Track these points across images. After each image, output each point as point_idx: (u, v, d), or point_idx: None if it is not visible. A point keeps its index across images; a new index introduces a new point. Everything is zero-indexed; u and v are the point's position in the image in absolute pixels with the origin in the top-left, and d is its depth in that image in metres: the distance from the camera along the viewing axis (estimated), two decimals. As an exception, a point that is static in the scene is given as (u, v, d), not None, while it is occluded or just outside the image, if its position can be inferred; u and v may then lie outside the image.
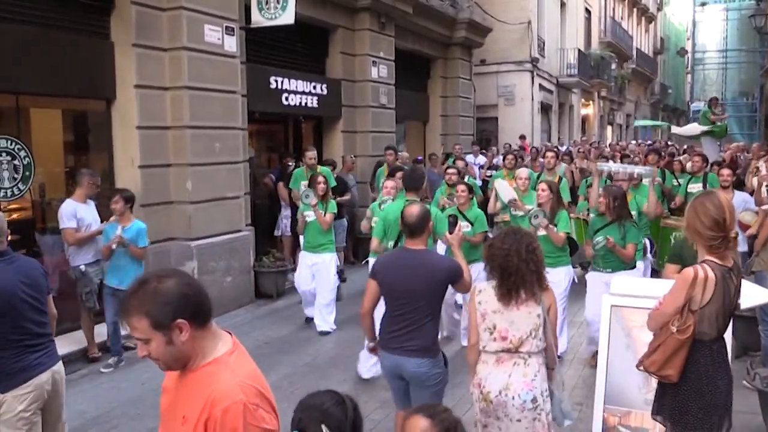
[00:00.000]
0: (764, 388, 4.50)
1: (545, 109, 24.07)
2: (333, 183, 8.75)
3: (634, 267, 6.20)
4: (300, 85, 10.97)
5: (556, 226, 6.34)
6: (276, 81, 10.46)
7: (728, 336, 3.51)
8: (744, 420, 4.47)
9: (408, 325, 3.81)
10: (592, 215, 7.03)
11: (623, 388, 4.05)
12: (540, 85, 22.67)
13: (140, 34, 7.61)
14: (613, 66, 31.82)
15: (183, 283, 2.04)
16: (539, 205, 6.48)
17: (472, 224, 6.73)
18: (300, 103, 10.99)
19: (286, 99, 10.69)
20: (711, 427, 3.16)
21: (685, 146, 23.37)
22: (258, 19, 9.19)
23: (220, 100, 8.41)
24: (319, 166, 9.24)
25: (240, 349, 2.14)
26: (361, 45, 12.25)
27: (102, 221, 6.89)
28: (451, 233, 4.34)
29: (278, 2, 9.06)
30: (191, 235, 8.03)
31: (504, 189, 7.81)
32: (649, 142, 26.53)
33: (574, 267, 8.11)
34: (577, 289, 6.97)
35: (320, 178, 7.56)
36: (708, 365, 3.13)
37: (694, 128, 16.19)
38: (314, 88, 11.33)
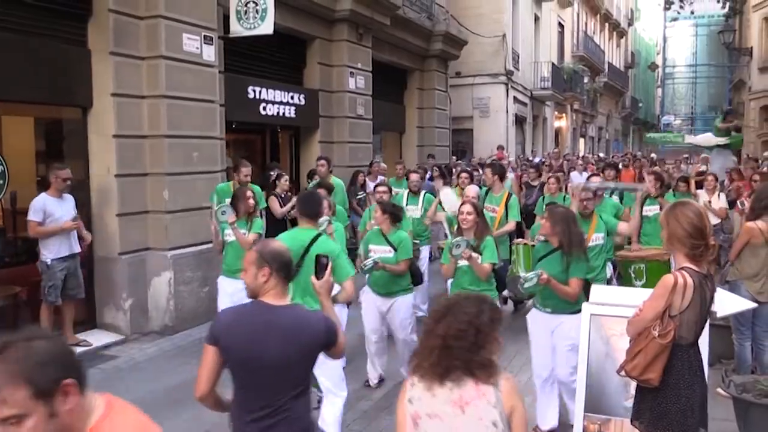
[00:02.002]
0: (738, 395, 4.59)
1: (520, 121, 24.33)
2: (262, 202, 8.30)
3: (579, 310, 4.64)
4: (278, 95, 10.97)
5: (481, 254, 5.38)
6: (254, 91, 10.44)
7: (704, 343, 3.59)
8: (719, 426, 4.54)
9: (268, 412, 2.78)
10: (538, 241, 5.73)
11: (603, 396, 4.10)
12: (514, 97, 22.92)
13: (118, 42, 7.55)
14: (586, 79, 32.33)
15: (56, 339, 1.72)
16: (461, 230, 5.54)
17: (395, 249, 5.82)
18: (277, 113, 10.98)
19: (264, 109, 10.68)
20: (687, 430, 3.23)
21: (654, 156, 23.76)
22: (237, 29, 9.18)
23: (197, 109, 8.37)
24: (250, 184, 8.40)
25: (115, 410, 1.79)
26: (339, 56, 12.29)
27: (77, 218, 6.85)
28: (318, 278, 3.16)
29: (257, 12, 9.06)
30: (168, 245, 7.95)
31: (449, 200, 7.31)
32: (620, 154, 26.95)
33: (506, 302, 7.90)
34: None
35: (248, 193, 6.55)
36: (685, 369, 3.21)
37: (709, 139, 16.28)
38: (292, 98, 11.33)
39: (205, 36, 8.42)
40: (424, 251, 8.37)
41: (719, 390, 4.81)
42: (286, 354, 2.76)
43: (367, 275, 5.99)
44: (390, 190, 7.88)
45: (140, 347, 7.31)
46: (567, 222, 4.87)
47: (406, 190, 8.86)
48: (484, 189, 8.39)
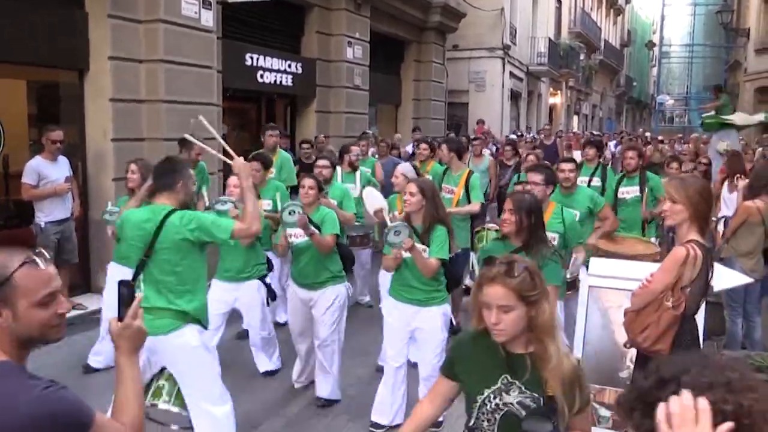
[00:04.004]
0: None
1: (515, 96, 24.27)
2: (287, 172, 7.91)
3: None
4: (275, 63, 10.89)
5: (428, 246, 4.43)
6: (251, 58, 10.36)
7: (700, 316, 3.64)
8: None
9: None
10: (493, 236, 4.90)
11: (598, 367, 4.16)
12: (510, 72, 22.83)
13: (116, 5, 7.44)
14: (582, 56, 32.20)
15: None
16: (407, 216, 4.53)
17: (319, 229, 4.98)
18: (275, 81, 10.91)
19: (261, 77, 10.60)
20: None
21: (648, 135, 23.71)
22: (235, -6, 9.07)
23: (195, 74, 8.29)
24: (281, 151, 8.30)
25: None
26: (337, 25, 12.18)
27: (70, 179, 6.82)
28: (120, 319, 2.08)
29: (256, -22, 8.96)
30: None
31: (371, 198, 6.05)
32: (613, 133, 26.96)
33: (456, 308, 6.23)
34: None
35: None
36: (688, 340, 3.27)
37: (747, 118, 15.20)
38: (289, 66, 11.25)
39: (203, 0, 8.32)
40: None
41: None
42: None
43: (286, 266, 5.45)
44: (333, 167, 6.91)
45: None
46: (535, 212, 3.87)
47: (339, 167, 7.68)
48: (443, 167, 7.27)
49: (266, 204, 6.25)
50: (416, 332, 4.56)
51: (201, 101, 8.42)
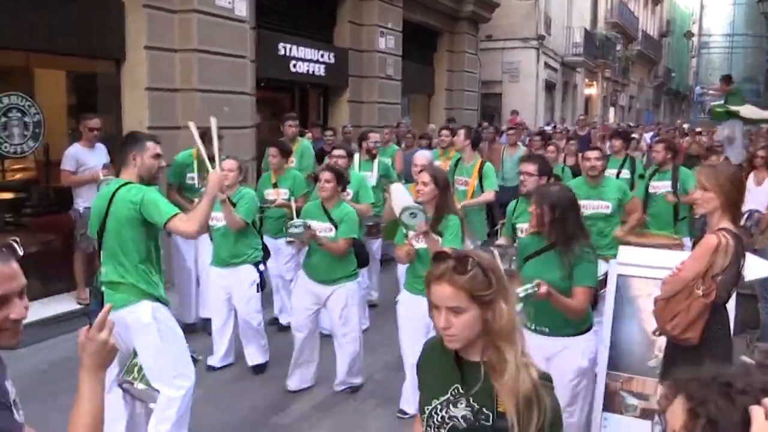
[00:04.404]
0: (763, 361, 4.60)
1: (549, 87, 24.03)
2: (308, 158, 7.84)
3: (588, 329, 3.74)
4: (308, 52, 10.96)
5: (441, 236, 4.32)
6: (284, 48, 10.45)
7: (731, 307, 3.60)
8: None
9: None
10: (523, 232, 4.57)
11: (626, 355, 4.13)
12: (545, 62, 22.61)
13: (151, -5, 7.58)
14: (618, 47, 31.72)
15: None
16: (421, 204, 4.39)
17: (336, 227, 4.90)
18: (307, 71, 10.99)
19: (294, 66, 10.69)
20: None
21: (686, 126, 23.19)
22: (268, -16, 9.14)
23: (229, 64, 8.40)
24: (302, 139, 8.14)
25: None
26: (370, 15, 12.20)
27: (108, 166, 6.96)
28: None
29: (289, -32, 9.01)
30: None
31: (399, 195, 5.80)
32: (650, 125, 26.50)
33: None
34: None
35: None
36: (718, 329, 3.25)
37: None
38: (322, 56, 11.32)
39: (237, -9, 8.42)
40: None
41: (744, 357, 4.83)
42: None
43: (300, 255, 5.29)
44: (350, 156, 6.65)
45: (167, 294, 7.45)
46: (561, 205, 3.55)
47: (357, 154, 7.48)
48: (455, 158, 7.02)
49: (283, 193, 6.30)
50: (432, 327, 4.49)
51: (234, 90, 8.54)
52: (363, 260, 5.22)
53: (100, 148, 7.01)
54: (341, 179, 5.04)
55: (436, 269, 1.93)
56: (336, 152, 6.45)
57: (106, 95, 7.99)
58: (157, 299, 3.82)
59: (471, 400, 1.95)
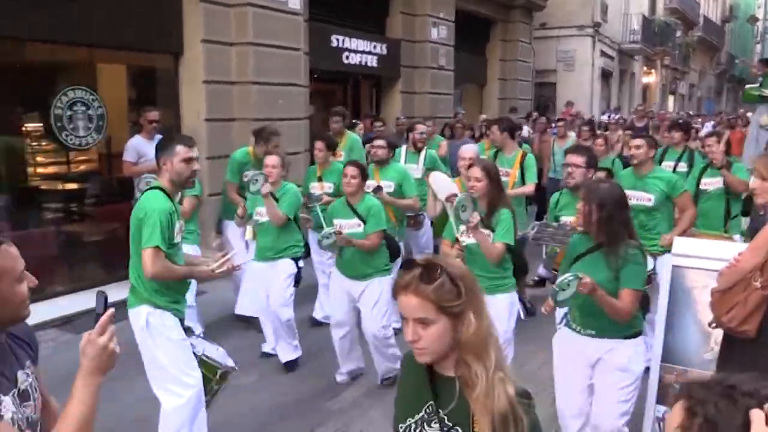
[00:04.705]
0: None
1: (605, 75, 23.57)
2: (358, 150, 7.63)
3: (637, 334, 3.59)
4: (360, 44, 11.05)
5: (493, 231, 4.24)
6: (337, 40, 10.56)
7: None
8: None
9: None
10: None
11: (681, 348, 4.07)
12: (601, 50, 22.18)
13: (208, -10, 7.76)
14: (678, 33, 30.82)
15: None
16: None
17: (364, 222, 4.89)
18: (360, 62, 11.07)
19: (347, 58, 10.80)
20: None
21: (749, 115, 22.39)
22: (321, -23, 9.24)
23: (283, 56, 8.54)
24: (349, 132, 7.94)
25: None
26: (423, 5, 12.21)
27: None
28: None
29: (342, -40, 9.08)
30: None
31: (441, 182, 5.56)
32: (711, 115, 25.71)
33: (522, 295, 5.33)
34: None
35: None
36: (776, 321, 3.17)
37: None
38: (374, 47, 11.39)
39: (291, -17, 8.54)
40: (427, 220, 6.88)
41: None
42: None
43: (332, 251, 5.22)
44: (391, 147, 6.59)
45: (225, 283, 7.66)
46: (609, 204, 3.40)
47: (405, 146, 7.43)
48: (494, 150, 6.87)
49: (327, 187, 6.30)
50: None
51: (288, 82, 8.67)
52: (393, 253, 5.20)
53: (158, 139, 7.22)
54: (365, 174, 5.06)
55: (401, 279, 1.80)
56: (376, 142, 6.46)
57: (165, 88, 8.23)
58: (159, 306, 3.73)
59: (446, 419, 1.82)
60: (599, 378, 3.60)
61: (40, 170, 7.54)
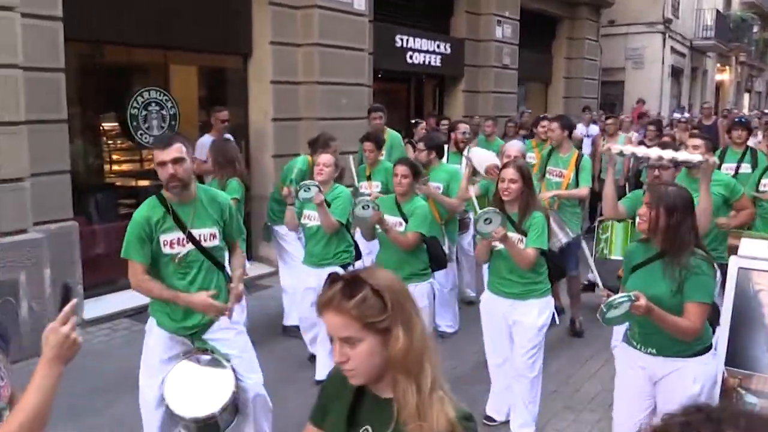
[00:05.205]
0: None
1: (676, 73, 22.94)
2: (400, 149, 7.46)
3: (705, 350, 3.33)
4: (424, 43, 11.11)
5: (525, 236, 4.09)
6: (401, 39, 10.65)
7: None
8: None
9: None
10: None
11: (746, 352, 3.99)
12: (672, 47, 21.59)
13: (276, -7, 7.97)
14: (755, 29, 29.70)
15: None
16: (498, 201, 4.14)
17: (406, 221, 4.74)
18: (423, 61, 11.14)
19: (410, 57, 10.88)
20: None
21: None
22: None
23: (348, 57, 8.69)
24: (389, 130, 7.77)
25: None
26: (487, 4, 12.17)
27: None
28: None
29: (407, -40, 9.17)
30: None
31: (481, 155, 5.52)
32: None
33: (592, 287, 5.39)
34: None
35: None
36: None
37: None
38: (438, 47, 11.43)
39: (356, -15, 8.69)
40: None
41: None
42: None
43: (363, 227, 4.98)
44: (432, 150, 6.25)
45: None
46: (677, 209, 3.13)
47: (447, 146, 7.07)
48: (548, 148, 6.59)
49: (375, 186, 6.23)
50: (514, 327, 4.25)
51: (353, 82, 8.82)
52: (439, 262, 4.96)
53: (228, 138, 7.47)
54: (418, 172, 4.91)
55: (322, 295, 1.65)
56: (420, 144, 6.32)
57: (234, 88, 8.50)
58: (153, 311, 3.64)
59: None
60: (662, 399, 3.30)
61: (115, 168, 7.91)
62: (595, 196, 8.21)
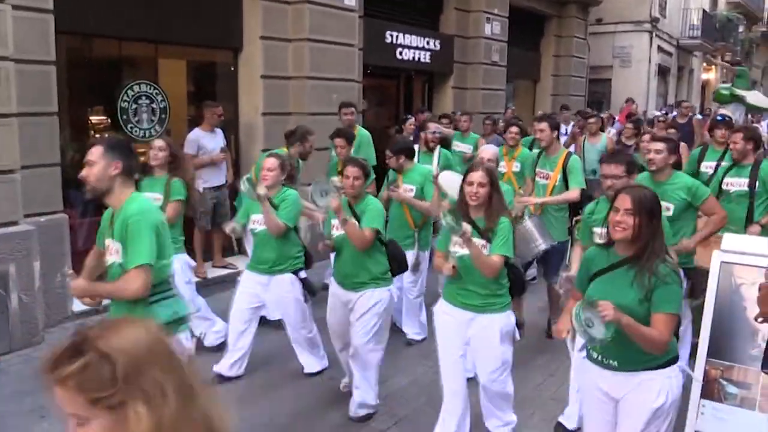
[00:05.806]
0: None
1: (663, 72, 23.13)
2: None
3: (670, 362, 3.04)
4: (414, 40, 11.17)
5: (489, 242, 3.81)
6: (391, 35, 10.70)
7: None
8: None
9: None
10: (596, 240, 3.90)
11: (727, 344, 4.09)
12: (659, 46, 21.77)
13: (266, -13, 8.00)
14: (741, 29, 29.98)
15: None
16: (464, 205, 3.88)
17: (358, 221, 4.37)
18: (413, 58, 11.19)
19: (400, 54, 10.93)
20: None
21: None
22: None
23: (338, 52, 8.73)
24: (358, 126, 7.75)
25: None
26: (476, 1, 12.25)
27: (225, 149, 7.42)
28: None
29: (397, -43, 9.21)
30: (307, 181, 8.45)
31: (452, 180, 5.26)
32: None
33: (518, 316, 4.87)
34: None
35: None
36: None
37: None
38: (427, 43, 11.49)
39: (346, -20, 8.72)
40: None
41: None
42: None
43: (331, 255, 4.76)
44: (401, 153, 5.94)
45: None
46: (655, 214, 2.99)
47: (417, 146, 6.87)
48: (537, 150, 6.38)
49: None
50: (471, 341, 3.95)
51: (343, 78, 8.86)
52: (400, 263, 4.69)
53: (219, 133, 7.51)
54: (368, 175, 4.62)
55: (47, 355, 1.24)
56: (387, 152, 6.00)
57: (224, 83, 8.52)
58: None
59: None
60: (624, 412, 3.06)
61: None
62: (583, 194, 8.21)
